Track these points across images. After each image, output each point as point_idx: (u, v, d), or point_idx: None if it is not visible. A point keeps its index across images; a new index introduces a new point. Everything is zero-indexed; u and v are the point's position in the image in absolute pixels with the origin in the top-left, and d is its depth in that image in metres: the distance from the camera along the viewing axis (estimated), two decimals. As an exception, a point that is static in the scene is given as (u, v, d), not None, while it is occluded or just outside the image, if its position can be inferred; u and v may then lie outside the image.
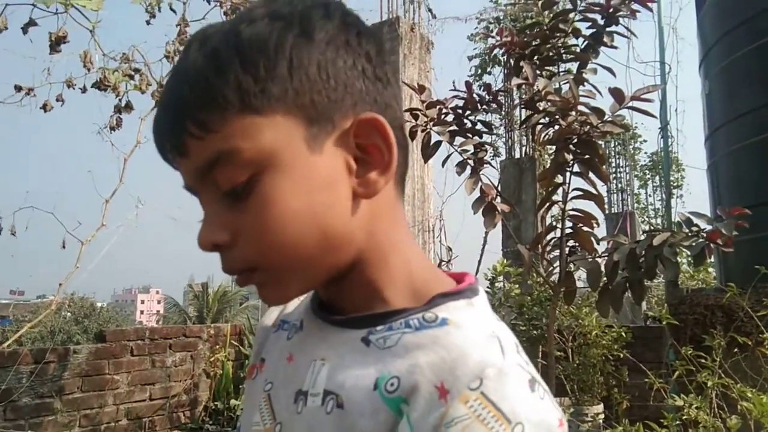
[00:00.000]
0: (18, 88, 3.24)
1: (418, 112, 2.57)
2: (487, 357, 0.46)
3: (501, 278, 4.25)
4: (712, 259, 4.25)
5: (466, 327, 0.49)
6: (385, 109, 0.53)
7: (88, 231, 3.30)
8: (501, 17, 8.34)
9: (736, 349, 2.33)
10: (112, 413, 4.28)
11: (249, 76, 0.47)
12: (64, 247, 3.35)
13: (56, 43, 3.00)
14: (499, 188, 2.80)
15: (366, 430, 0.47)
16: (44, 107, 3.26)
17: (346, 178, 0.51)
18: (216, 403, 4.87)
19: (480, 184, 2.55)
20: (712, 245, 2.25)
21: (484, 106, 2.70)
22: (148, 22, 3.30)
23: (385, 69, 0.54)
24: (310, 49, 0.49)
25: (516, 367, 0.46)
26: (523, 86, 2.59)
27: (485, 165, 2.63)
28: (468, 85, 2.68)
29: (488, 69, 9.07)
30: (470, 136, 2.63)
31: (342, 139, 0.50)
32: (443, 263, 5.14)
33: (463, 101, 2.63)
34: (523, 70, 2.34)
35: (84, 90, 3.29)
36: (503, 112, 6.74)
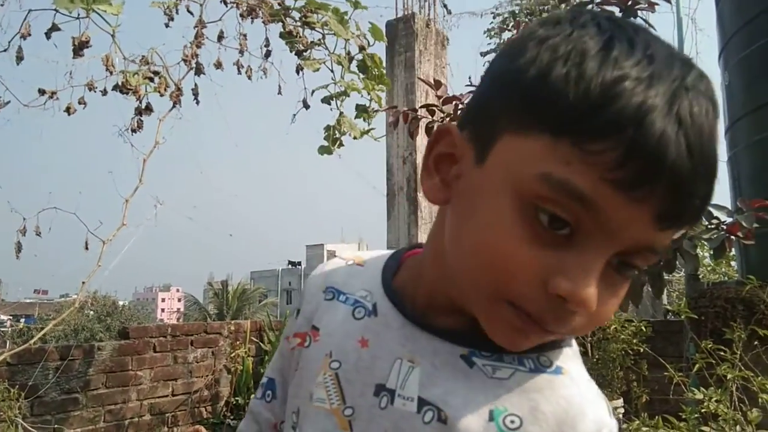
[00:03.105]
0: (41, 92, 3.31)
1: (434, 108, 2.58)
2: (601, 417, 0.50)
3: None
4: (734, 252, 4.20)
5: (580, 381, 0.52)
6: None
7: (109, 230, 3.36)
8: (516, 12, 8.30)
9: (756, 342, 2.31)
10: (136, 408, 4.36)
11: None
12: (87, 248, 3.41)
13: (79, 47, 3.05)
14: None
15: None
16: (67, 110, 3.31)
17: None
18: (237, 398, 4.93)
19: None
20: (732, 238, 2.23)
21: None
22: (166, 25, 3.35)
23: None
24: None
25: (616, 429, 0.51)
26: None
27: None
28: (483, 80, 2.68)
29: (504, 64, 9.02)
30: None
31: None
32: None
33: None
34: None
35: (105, 93, 3.35)
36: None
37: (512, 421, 0.49)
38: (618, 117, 0.41)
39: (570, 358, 0.54)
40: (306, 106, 3.53)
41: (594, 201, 0.43)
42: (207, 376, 4.85)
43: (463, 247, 0.50)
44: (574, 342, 0.57)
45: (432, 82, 2.67)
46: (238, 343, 5.06)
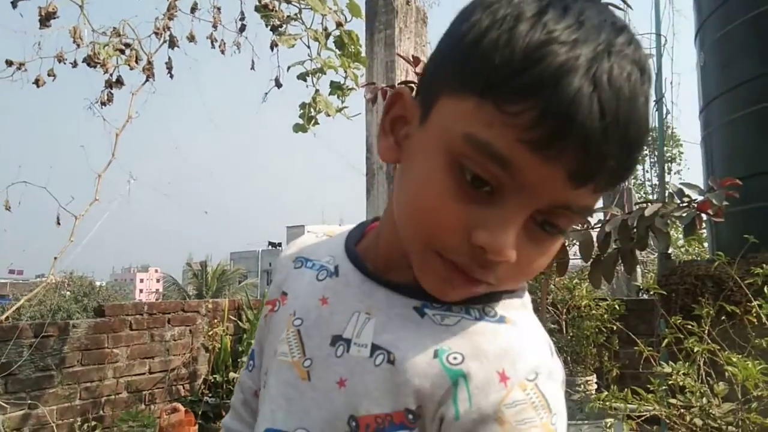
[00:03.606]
0: (9, 63, 3.22)
1: (412, 85, 2.57)
2: (542, 357, 0.53)
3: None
4: (705, 232, 4.28)
5: (523, 327, 0.56)
6: None
7: (81, 206, 3.31)
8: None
9: (724, 318, 2.36)
10: (112, 386, 4.34)
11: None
12: (58, 223, 3.35)
13: (46, 18, 2.97)
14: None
15: (419, 389, 0.53)
16: (36, 82, 3.23)
17: None
18: (215, 376, 4.94)
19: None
20: (703, 215, 2.27)
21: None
22: (139, -5, 3.27)
23: None
24: None
25: (559, 370, 0.55)
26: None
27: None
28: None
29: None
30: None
31: None
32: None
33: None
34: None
35: (75, 65, 3.27)
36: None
37: (455, 358, 0.53)
38: (537, 79, 0.43)
39: (516, 309, 0.58)
40: (278, 84, 3.48)
41: (511, 162, 0.45)
42: (184, 354, 4.84)
43: (400, 200, 0.54)
44: (526, 294, 0.60)
45: (411, 58, 2.65)
46: (216, 321, 5.05)
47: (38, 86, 3.26)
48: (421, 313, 0.57)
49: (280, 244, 55.74)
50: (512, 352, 0.52)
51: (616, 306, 3.81)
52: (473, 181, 0.48)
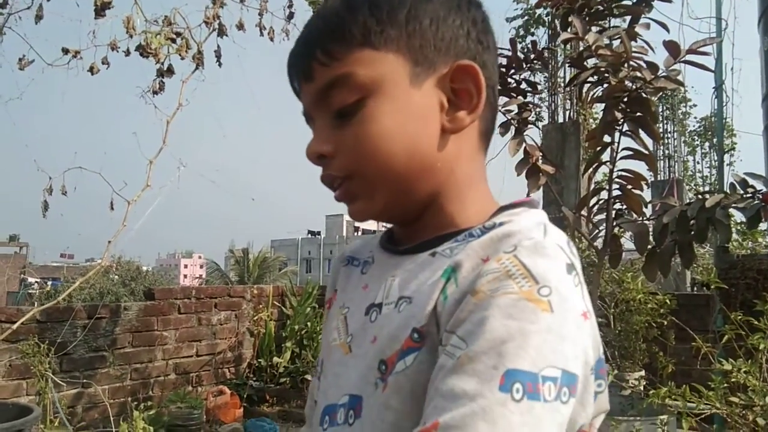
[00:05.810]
0: (65, 51, 3.31)
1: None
2: (528, 234, 0.54)
3: (542, 243, 4.18)
4: (764, 225, 4.10)
5: (518, 220, 0.58)
6: (482, 66, 0.62)
7: (134, 191, 3.38)
8: (545, -25, 8.05)
9: (789, 314, 2.25)
10: (161, 367, 4.46)
11: (373, 18, 0.59)
12: (112, 208, 3.44)
13: (101, 8, 3.04)
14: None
15: (424, 305, 0.55)
16: (91, 69, 3.32)
17: (437, 115, 0.61)
18: (259, 360, 5.02)
19: (524, 145, 2.50)
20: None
21: (529, 65, 2.62)
22: (189, -16, 3.30)
23: (487, 36, 0.65)
24: (426, 6, 0.61)
25: (555, 247, 0.53)
26: (571, 43, 2.51)
27: (529, 126, 2.57)
28: (512, 42, 2.60)
29: (531, 30, 8.81)
30: (514, 95, 2.57)
31: (440, 81, 0.61)
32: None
33: (507, 59, 2.56)
34: (572, 25, 2.25)
35: (128, 53, 3.34)
36: (547, 73, 6.55)
37: (452, 263, 0.56)
38: None
39: (516, 214, 0.60)
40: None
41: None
42: (230, 338, 4.94)
43: None
44: (536, 209, 0.61)
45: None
46: (260, 306, 5.13)
47: (93, 74, 3.34)
48: (433, 255, 0.60)
49: (319, 233, 56.25)
50: (496, 239, 0.55)
51: (668, 300, 3.69)
52: None
